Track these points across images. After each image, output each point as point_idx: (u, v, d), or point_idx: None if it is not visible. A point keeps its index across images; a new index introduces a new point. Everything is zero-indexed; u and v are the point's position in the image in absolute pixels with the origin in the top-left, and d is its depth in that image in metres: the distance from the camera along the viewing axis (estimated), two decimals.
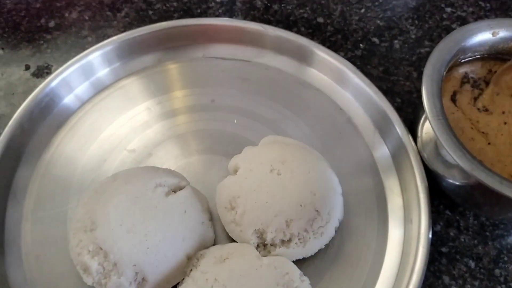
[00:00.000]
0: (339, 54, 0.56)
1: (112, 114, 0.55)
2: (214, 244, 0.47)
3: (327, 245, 0.46)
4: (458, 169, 0.44)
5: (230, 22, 0.60)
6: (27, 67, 0.59)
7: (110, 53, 0.57)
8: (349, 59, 0.56)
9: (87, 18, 0.64)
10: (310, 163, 0.47)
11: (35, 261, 0.46)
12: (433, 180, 0.49)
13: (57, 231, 0.48)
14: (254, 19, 0.64)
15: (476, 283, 0.47)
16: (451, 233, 0.49)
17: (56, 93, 0.54)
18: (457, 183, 0.46)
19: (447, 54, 0.47)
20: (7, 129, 0.50)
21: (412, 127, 0.51)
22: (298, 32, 0.63)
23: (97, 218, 0.43)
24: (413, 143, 0.50)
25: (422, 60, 0.61)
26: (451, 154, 0.41)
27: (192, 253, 0.44)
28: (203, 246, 0.46)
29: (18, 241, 0.47)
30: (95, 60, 0.56)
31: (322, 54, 0.57)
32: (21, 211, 0.49)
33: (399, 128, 0.51)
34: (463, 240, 0.49)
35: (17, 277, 0.45)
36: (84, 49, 0.56)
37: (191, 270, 0.43)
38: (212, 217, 0.49)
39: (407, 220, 0.48)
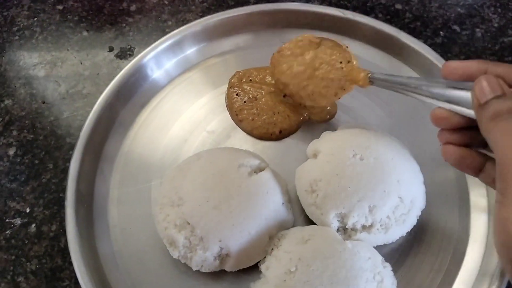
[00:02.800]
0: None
1: (192, 96, 0.56)
2: (293, 226, 0.47)
3: (408, 233, 0.46)
4: None
5: (307, 7, 0.59)
6: (111, 49, 0.62)
7: (196, 35, 0.59)
8: (429, 47, 0.55)
9: (166, 2, 0.65)
10: (393, 150, 0.47)
11: (121, 234, 0.49)
12: None
13: (140, 206, 0.50)
14: (330, 5, 0.64)
15: None
16: None
17: (144, 71, 0.56)
18: None
19: None
20: (96, 107, 0.52)
21: None
22: (376, 18, 0.62)
23: (184, 194, 0.44)
24: None
25: (505, 50, 0.59)
26: None
27: (274, 232, 0.45)
28: (283, 227, 0.46)
29: (105, 214, 0.50)
30: (183, 40, 0.58)
31: (404, 40, 0.56)
32: (108, 186, 0.51)
33: None
34: None
35: (105, 249, 0.48)
36: (165, 32, 0.58)
37: (272, 249, 0.44)
38: (291, 200, 0.49)
39: (491, 212, 0.47)
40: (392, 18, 0.62)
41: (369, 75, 0.45)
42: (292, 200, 0.49)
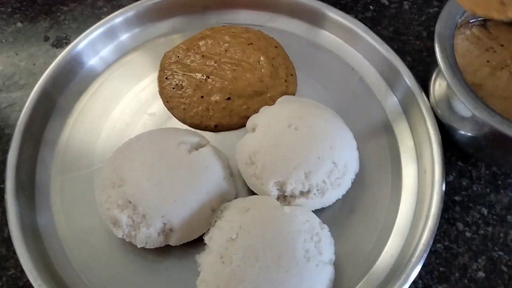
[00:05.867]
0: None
1: (131, 80, 0.56)
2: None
3: (344, 196, 0.48)
4: (471, 120, 0.46)
5: None
6: (46, 39, 0.61)
7: (129, 19, 0.59)
8: (359, 21, 0.58)
9: None
10: (326, 118, 0.49)
11: (65, 220, 0.49)
12: (445, 134, 0.50)
13: (84, 191, 0.50)
14: None
15: (490, 229, 0.49)
16: (464, 183, 0.51)
17: (79, 58, 0.56)
18: (470, 134, 0.48)
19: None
20: (32, 95, 0.52)
21: (424, 85, 0.53)
22: None
23: (125, 174, 0.45)
24: (425, 96, 0.51)
25: (431, 20, 0.62)
26: (467, 105, 0.43)
27: (216, 205, 0.46)
28: (226, 199, 0.48)
29: (48, 201, 0.50)
30: (116, 25, 0.58)
31: (334, 15, 0.58)
32: (49, 173, 0.51)
33: (411, 83, 0.52)
34: (475, 189, 0.51)
35: (50, 235, 0.48)
36: (100, 19, 0.58)
37: (215, 221, 0.46)
38: (233, 174, 0.50)
39: (421, 171, 0.50)
40: None
41: None
42: (235, 175, 0.51)
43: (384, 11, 0.63)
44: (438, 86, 0.50)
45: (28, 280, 0.44)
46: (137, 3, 0.58)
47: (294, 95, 0.56)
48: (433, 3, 0.64)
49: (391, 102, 0.55)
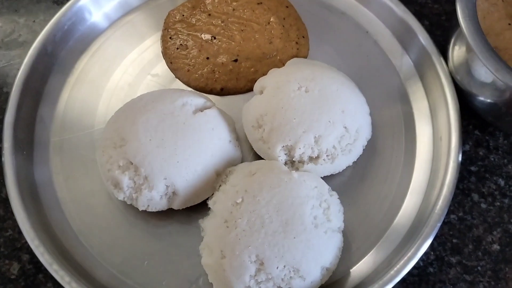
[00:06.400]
0: None
1: (134, 39, 0.54)
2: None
3: (355, 163, 0.46)
4: (492, 85, 0.43)
5: None
6: None
7: None
8: None
9: None
10: (337, 82, 0.46)
11: (65, 181, 0.47)
12: (463, 102, 0.48)
13: (84, 153, 0.48)
14: None
15: (506, 200, 0.47)
16: (481, 153, 0.49)
17: (81, 14, 0.53)
18: (490, 100, 0.45)
19: None
20: (31, 52, 0.50)
21: (442, 50, 0.50)
22: None
23: (126, 135, 0.43)
24: (442, 60, 0.49)
25: None
26: (489, 68, 0.40)
27: (221, 169, 0.45)
28: (231, 164, 0.46)
29: (47, 162, 0.48)
30: None
31: None
32: (48, 133, 0.49)
33: (427, 45, 0.50)
34: (492, 159, 0.49)
35: (49, 197, 0.47)
36: None
37: (220, 185, 0.44)
38: (239, 138, 0.48)
39: (436, 138, 0.48)
40: None
41: None
42: (241, 139, 0.49)
43: None
44: (458, 49, 0.47)
45: (26, 242, 0.43)
46: None
47: (305, 58, 0.53)
48: None
49: (407, 66, 0.52)
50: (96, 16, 0.54)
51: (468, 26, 0.42)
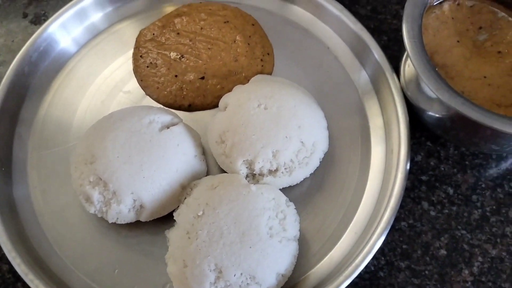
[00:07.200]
0: None
1: (107, 58, 0.57)
2: None
3: (312, 175, 0.49)
4: (437, 102, 0.46)
5: None
6: (25, 15, 0.61)
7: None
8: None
9: None
10: (296, 98, 0.50)
11: (42, 195, 0.50)
12: (416, 115, 0.51)
13: (60, 168, 0.51)
14: None
15: (454, 208, 0.50)
16: (432, 163, 0.52)
17: (53, 37, 0.56)
18: (437, 115, 0.48)
19: None
20: (8, 72, 0.53)
21: (397, 65, 0.53)
22: None
23: (96, 152, 0.46)
24: (395, 76, 0.52)
25: None
26: (430, 87, 0.43)
27: (186, 183, 0.48)
28: (196, 177, 0.49)
29: (25, 177, 0.51)
30: (89, 5, 0.58)
31: None
32: (26, 150, 0.52)
33: (382, 62, 0.53)
34: (443, 169, 0.52)
35: (26, 209, 0.50)
36: None
37: (185, 198, 0.47)
38: (205, 152, 0.52)
39: (388, 151, 0.51)
40: None
41: None
42: (208, 153, 0.52)
43: None
44: (407, 67, 0.50)
45: (4, 254, 0.45)
46: None
47: (270, 74, 0.56)
48: None
49: (364, 82, 0.55)
50: (66, 40, 0.57)
51: (412, 47, 0.45)
